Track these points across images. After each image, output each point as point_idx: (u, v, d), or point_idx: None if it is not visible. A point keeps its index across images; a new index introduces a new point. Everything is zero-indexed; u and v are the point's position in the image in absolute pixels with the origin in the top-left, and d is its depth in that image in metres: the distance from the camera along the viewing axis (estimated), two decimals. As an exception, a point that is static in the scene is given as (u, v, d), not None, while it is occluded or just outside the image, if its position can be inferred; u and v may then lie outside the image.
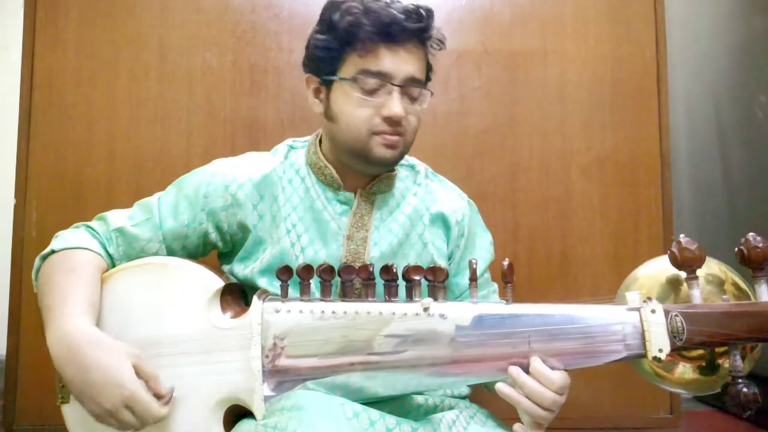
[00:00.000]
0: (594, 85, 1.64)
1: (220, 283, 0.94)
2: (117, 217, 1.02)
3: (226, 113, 1.59)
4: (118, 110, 1.57)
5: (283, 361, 0.87)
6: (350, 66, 0.96)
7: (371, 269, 0.89)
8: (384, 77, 0.95)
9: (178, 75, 1.58)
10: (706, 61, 2.25)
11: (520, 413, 0.84)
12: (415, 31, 0.96)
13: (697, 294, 0.81)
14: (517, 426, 0.84)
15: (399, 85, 0.95)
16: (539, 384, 0.81)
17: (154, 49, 1.58)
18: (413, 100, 0.98)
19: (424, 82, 1.00)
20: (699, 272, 0.82)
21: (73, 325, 0.86)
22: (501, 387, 0.83)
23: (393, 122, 0.95)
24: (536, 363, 0.82)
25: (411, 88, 0.97)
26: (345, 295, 0.89)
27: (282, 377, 0.87)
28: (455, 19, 1.63)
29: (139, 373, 0.85)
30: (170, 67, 1.59)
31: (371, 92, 0.95)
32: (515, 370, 0.82)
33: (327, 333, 0.87)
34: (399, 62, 0.95)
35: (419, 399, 0.97)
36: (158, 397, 0.86)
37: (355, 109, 0.96)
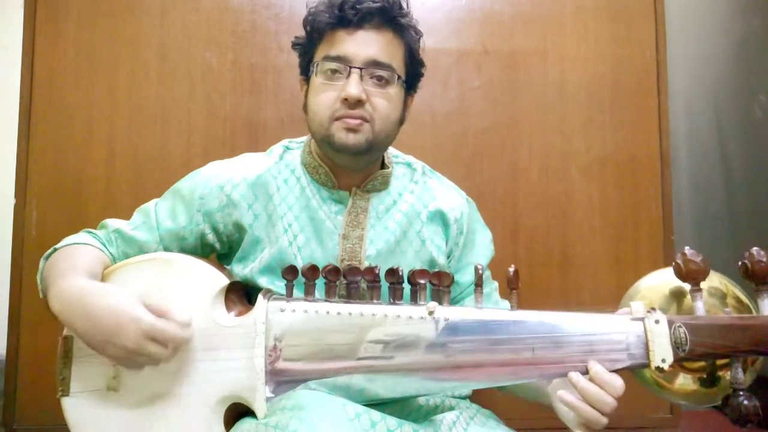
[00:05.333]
0: (594, 85, 1.65)
1: (225, 281, 0.94)
2: (117, 222, 1.05)
3: (226, 113, 1.59)
4: (118, 110, 1.57)
5: (284, 361, 0.87)
6: (318, 57, 0.99)
7: (377, 271, 0.89)
8: (342, 60, 0.95)
9: (178, 75, 1.58)
10: (706, 61, 2.25)
11: (566, 420, 0.83)
12: (373, 11, 0.95)
13: (701, 306, 0.81)
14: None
15: (358, 68, 0.95)
16: (600, 390, 0.80)
17: (154, 49, 1.58)
18: (380, 84, 0.97)
19: (391, 66, 0.98)
20: (701, 285, 0.81)
21: (73, 282, 0.87)
22: (563, 395, 0.81)
23: (352, 104, 0.94)
24: (597, 367, 0.81)
25: (375, 70, 0.96)
26: (350, 296, 0.89)
27: (284, 376, 0.87)
28: (455, 19, 1.63)
29: (151, 311, 0.85)
30: (170, 67, 1.58)
31: (333, 77, 0.96)
32: (576, 376, 0.81)
33: (330, 333, 0.87)
34: (358, 45, 0.96)
35: (420, 400, 0.97)
36: None
37: (318, 95, 0.97)
